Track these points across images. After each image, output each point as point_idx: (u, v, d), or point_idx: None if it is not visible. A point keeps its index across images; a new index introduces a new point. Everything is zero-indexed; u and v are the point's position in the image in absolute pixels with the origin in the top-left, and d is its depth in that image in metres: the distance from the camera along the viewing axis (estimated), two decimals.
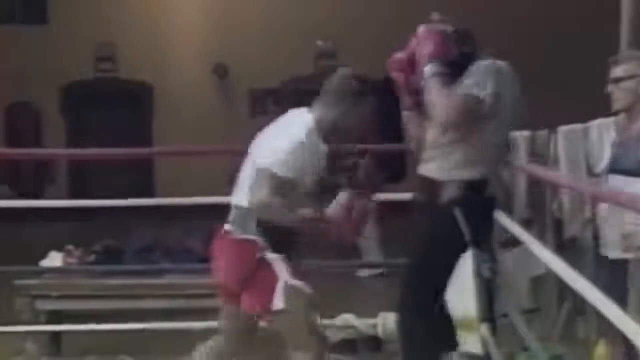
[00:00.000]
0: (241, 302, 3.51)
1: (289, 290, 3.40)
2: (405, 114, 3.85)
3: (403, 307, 3.98)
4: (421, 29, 3.71)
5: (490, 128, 3.64)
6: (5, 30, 14.33)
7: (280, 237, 3.45)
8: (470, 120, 3.53)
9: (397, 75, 3.84)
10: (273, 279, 3.40)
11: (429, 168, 3.78)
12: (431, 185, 3.82)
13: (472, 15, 13.67)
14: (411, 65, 3.78)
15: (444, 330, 4.17)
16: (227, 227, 3.58)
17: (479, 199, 3.81)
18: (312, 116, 3.57)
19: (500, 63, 3.85)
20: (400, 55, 3.86)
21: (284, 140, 3.44)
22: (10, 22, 14.59)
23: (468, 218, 3.73)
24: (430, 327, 4.00)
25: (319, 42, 14.54)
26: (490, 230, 4.10)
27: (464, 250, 3.98)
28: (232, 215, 3.57)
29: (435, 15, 3.79)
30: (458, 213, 3.72)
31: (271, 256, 3.43)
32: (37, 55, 14.16)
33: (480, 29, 15.04)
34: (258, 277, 3.43)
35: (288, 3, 14.43)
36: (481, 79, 3.61)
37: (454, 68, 3.68)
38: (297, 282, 3.42)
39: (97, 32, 14.29)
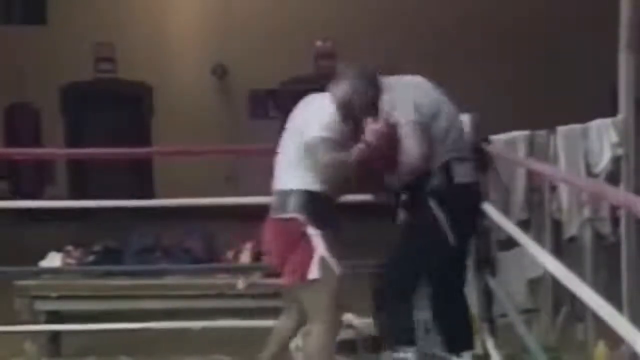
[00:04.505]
0: (285, 277, 3.88)
1: (324, 263, 3.73)
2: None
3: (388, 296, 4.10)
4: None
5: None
6: (5, 30, 14.33)
7: (321, 212, 3.79)
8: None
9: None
10: (312, 251, 3.73)
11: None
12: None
13: (472, 16, 13.74)
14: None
15: (462, 329, 4.24)
16: (271, 213, 3.92)
17: (451, 185, 3.99)
18: (329, 98, 3.97)
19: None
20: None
21: (319, 113, 3.86)
22: (10, 22, 14.59)
23: (442, 205, 3.93)
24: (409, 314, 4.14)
25: (319, 43, 14.53)
26: (473, 216, 4.21)
27: (443, 238, 4.08)
28: (276, 199, 3.90)
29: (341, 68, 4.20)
30: (432, 202, 3.91)
31: (311, 231, 3.75)
32: (36, 55, 14.16)
33: (481, 30, 15.10)
34: (299, 249, 3.76)
35: (288, 3, 14.42)
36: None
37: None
38: (331, 259, 3.75)
39: (97, 33, 14.28)
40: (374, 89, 4.02)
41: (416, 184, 4.06)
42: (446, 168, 4.04)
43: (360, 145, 3.85)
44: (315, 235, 3.75)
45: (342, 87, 4.01)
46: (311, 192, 3.81)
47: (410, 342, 4.17)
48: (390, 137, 3.90)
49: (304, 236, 3.75)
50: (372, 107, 4.00)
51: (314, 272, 3.73)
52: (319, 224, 3.77)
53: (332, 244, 3.80)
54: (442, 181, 4.03)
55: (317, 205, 3.78)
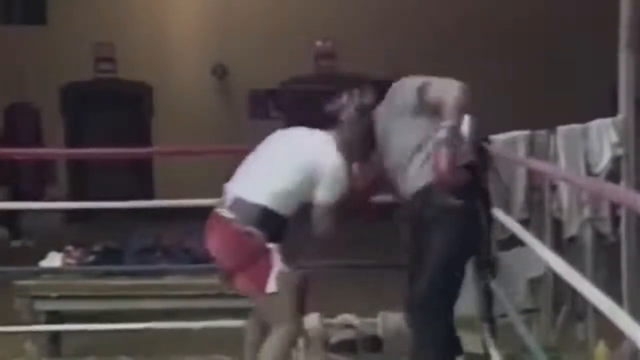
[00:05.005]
0: (237, 283, 3.93)
1: (282, 277, 3.78)
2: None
3: (425, 307, 3.98)
4: None
5: None
6: (5, 30, 14.32)
7: (278, 230, 3.83)
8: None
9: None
10: (269, 265, 3.78)
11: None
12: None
13: (472, 16, 13.74)
14: None
15: (453, 332, 4.20)
16: (226, 214, 3.85)
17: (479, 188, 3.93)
18: (333, 141, 3.94)
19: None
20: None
21: (334, 164, 3.85)
22: (10, 22, 14.58)
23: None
24: (448, 328, 4.04)
25: (319, 43, 14.53)
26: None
27: (479, 245, 4.02)
28: (234, 205, 3.84)
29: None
30: (479, 206, 3.84)
31: (269, 246, 3.78)
32: (36, 55, 14.16)
33: (481, 30, 15.11)
34: (258, 263, 3.79)
35: (288, 3, 14.42)
36: None
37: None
38: (289, 270, 3.81)
39: (97, 33, 14.28)
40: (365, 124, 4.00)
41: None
42: (471, 168, 3.98)
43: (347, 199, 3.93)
44: (272, 249, 3.79)
45: (342, 129, 3.99)
46: (275, 213, 3.82)
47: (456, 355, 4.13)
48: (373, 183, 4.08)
49: (262, 251, 3.79)
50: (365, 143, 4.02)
51: (271, 286, 3.78)
52: (276, 239, 3.82)
53: (288, 256, 3.84)
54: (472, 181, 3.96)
55: (275, 224, 3.82)
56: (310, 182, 3.82)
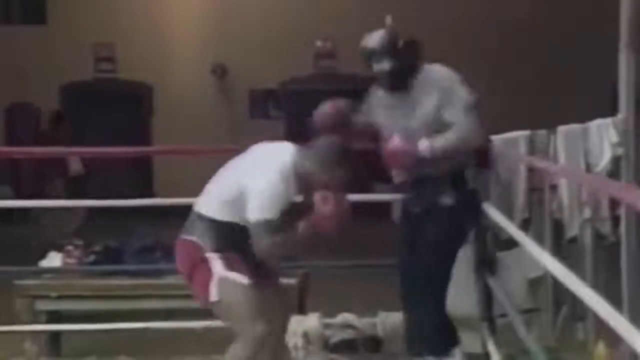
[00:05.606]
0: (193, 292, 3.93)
1: (223, 283, 3.71)
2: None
3: (421, 306, 4.11)
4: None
5: None
6: (4, 30, 14.33)
7: (228, 241, 3.75)
8: None
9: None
10: (209, 274, 3.74)
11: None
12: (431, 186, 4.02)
13: (473, 16, 13.74)
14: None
15: (449, 326, 4.26)
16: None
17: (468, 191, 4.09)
18: (290, 159, 3.75)
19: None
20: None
21: (265, 182, 3.67)
22: (9, 22, 14.59)
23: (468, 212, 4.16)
24: (445, 324, 4.15)
25: (319, 43, 14.53)
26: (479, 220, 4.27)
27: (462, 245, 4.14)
28: (189, 218, 3.91)
29: (388, 19, 4.46)
30: (462, 212, 3.97)
31: (208, 255, 3.74)
32: (36, 55, 14.16)
33: (481, 30, 15.13)
34: (199, 272, 3.77)
35: (288, 3, 14.43)
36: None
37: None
38: (231, 275, 3.71)
39: (97, 33, 14.29)
40: (339, 170, 3.69)
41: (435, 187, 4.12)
42: (462, 174, 4.14)
43: (307, 224, 3.69)
44: (212, 258, 3.73)
45: (308, 157, 3.72)
46: (220, 222, 3.76)
47: (453, 344, 4.19)
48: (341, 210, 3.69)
49: (203, 260, 3.75)
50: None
51: (213, 295, 3.73)
52: (221, 249, 3.74)
53: (236, 263, 3.73)
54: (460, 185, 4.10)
55: (223, 234, 3.74)
56: (241, 194, 3.71)
